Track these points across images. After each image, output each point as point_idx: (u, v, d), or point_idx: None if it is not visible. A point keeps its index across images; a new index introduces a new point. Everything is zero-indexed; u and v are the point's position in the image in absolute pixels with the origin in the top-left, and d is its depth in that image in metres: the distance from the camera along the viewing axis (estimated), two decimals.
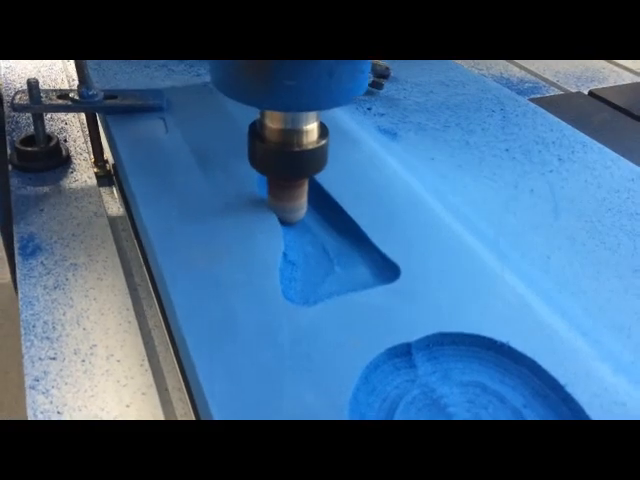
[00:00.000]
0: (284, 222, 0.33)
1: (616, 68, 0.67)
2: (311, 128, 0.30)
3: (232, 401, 0.23)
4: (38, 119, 0.42)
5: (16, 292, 0.32)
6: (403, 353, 0.25)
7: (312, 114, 0.30)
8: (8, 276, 0.32)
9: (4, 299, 0.33)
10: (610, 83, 0.63)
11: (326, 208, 0.36)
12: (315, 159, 0.31)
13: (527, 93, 0.59)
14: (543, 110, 0.51)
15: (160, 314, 0.33)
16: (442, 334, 0.26)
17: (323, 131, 0.31)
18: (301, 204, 0.33)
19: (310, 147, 0.30)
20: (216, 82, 0.29)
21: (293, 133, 0.30)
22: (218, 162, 0.38)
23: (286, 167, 0.31)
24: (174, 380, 0.30)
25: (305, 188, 0.33)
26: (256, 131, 0.31)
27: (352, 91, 0.28)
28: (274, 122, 0.30)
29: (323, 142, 0.31)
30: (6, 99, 0.52)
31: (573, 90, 0.61)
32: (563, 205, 0.40)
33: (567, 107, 0.55)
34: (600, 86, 0.61)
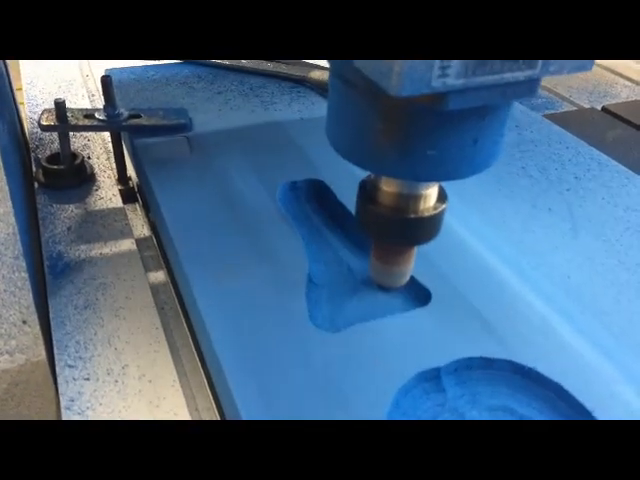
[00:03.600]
0: (384, 287, 0.31)
1: (628, 83, 0.67)
2: (430, 193, 0.27)
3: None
4: (64, 138, 0.42)
5: (51, 369, 0.31)
6: (432, 377, 0.26)
7: None
8: (43, 353, 0.31)
9: (37, 378, 0.31)
10: (623, 98, 0.63)
11: (349, 226, 0.37)
12: (431, 226, 0.27)
13: (540, 108, 0.60)
14: (558, 127, 0.52)
15: (188, 333, 0.34)
16: (470, 358, 0.27)
17: (441, 195, 0.27)
18: (406, 270, 0.30)
19: (426, 214, 0.27)
20: (338, 146, 0.25)
21: (410, 198, 0.26)
22: (243, 179, 0.39)
23: (398, 233, 0.28)
24: (205, 401, 0.30)
25: (413, 254, 0.30)
26: (367, 191, 0.28)
27: (492, 157, 0.25)
28: (390, 186, 0.27)
29: (441, 208, 0.27)
30: (29, 115, 0.53)
31: (586, 105, 0.61)
32: (581, 224, 0.40)
33: (581, 123, 0.56)
34: (613, 101, 0.62)
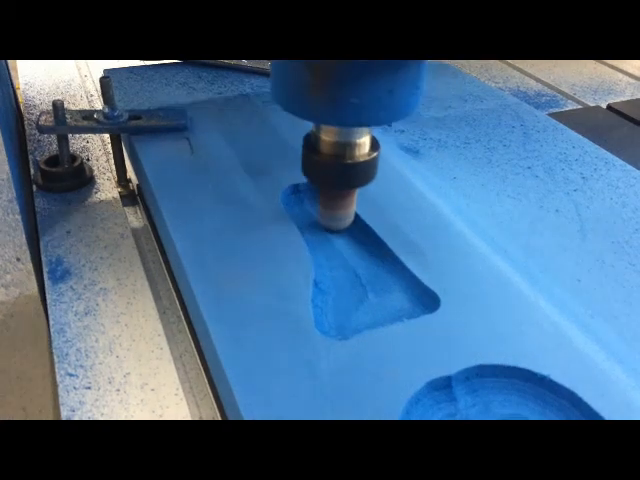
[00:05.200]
0: (331, 230, 0.35)
1: (632, 80, 0.67)
2: (363, 141, 0.31)
3: None
4: (63, 140, 0.42)
5: (43, 304, 0.34)
6: (443, 386, 0.25)
7: (365, 128, 0.31)
8: (35, 288, 0.34)
9: (30, 310, 0.35)
10: (627, 96, 0.63)
11: (355, 230, 0.36)
12: (366, 171, 0.32)
13: (545, 107, 0.59)
14: (563, 126, 0.51)
15: (191, 339, 0.33)
16: (482, 366, 0.26)
17: (374, 144, 0.32)
18: (349, 213, 0.35)
19: (361, 160, 0.32)
20: (278, 98, 0.30)
21: (346, 146, 0.31)
22: (244, 180, 0.38)
23: (337, 178, 0.32)
24: (208, 409, 0.30)
25: (354, 197, 0.34)
26: (310, 143, 0.32)
27: (409, 106, 0.29)
28: (328, 135, 0.31)
29: (374, 155, 0.32)
30: (27, 116, 0.52)
31: (591, 103, 0.60)
32: (589, 225, 0.39)
33: (586, 122, 0.55)
34: (617, 99, 0.61)
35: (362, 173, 0.32)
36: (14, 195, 0.34)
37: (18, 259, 0.34)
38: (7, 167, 0.33)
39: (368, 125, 0.30)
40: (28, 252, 0.35)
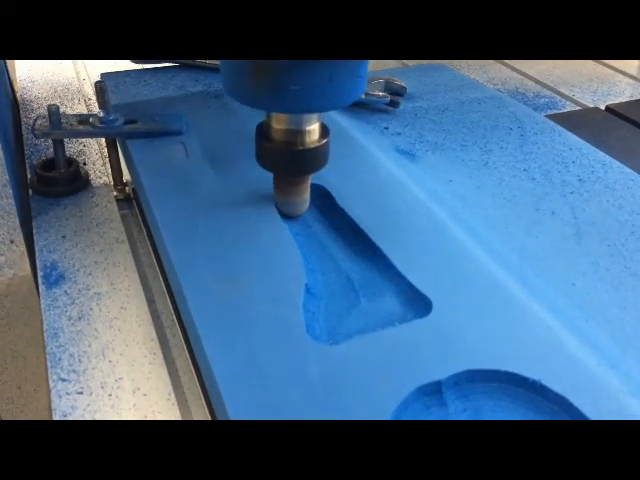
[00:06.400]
0: (288, 216, 0.36)
1: (632, 81, 0.66)
2: (313, 129, 0.32)
3: None
4: (58, 144, 0.42)
5: (36, 285, 0.35)
6: (433, 391, 0.25)
7: (314, 115, 0.32)
8: (28, 269, 0.36)
9: (23, 291, 0.36)
10: (626, 97, 0.62)
11: (348, 234, 0.36)
12: (317, 157, 0.33)
13: (543, 108, 0.59)
14: (561, 127, 0.51)
15: (184, 342, 0.33)
16: (472, 371, 0.26)
17: (324, 131, 0.33)
18: (304, 199, 0.36)
19: (312, 146, 0.33)
20: (227, 88, 0.31)
21: (297, 133, 0.32)
22: (238, 181, 0.38)
23: (290, 165, 0.33)
24: (201, 414, 0.30)
25: (308, 184, 0.36)
26: (262, 131, 0.33)
27: (350, 94, 0.31)
28: (279, 123, 0.32)
29: (324, 141, 0.33)
30: (24, 120, 0.52)
31: (590, 104, 0.60)
32: (585, 228, 0.39)
33: (584, 124, 0.55)
34: (617, 100, 0.61)
35: (314, 159, 0.33)
36: (7, 180, 0.35)
37: (12, 241, 0.36)
38: (0, 153, 0.34)
39: (309, 112, 0.31)
40: (22, 234, 0.36)
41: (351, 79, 0.30)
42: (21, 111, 0.54)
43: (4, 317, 0.37)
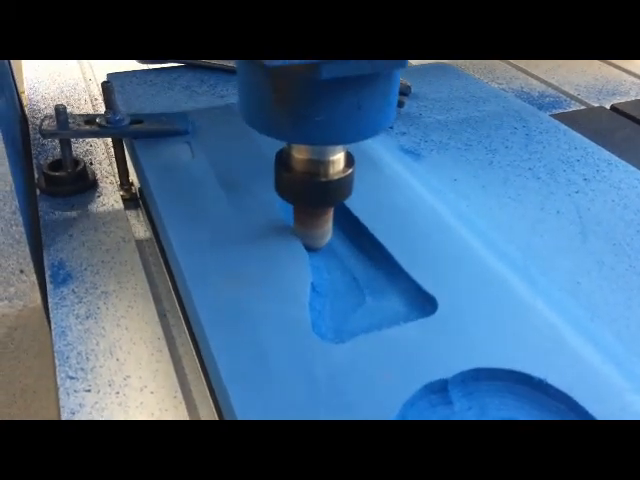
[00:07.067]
0: (309, 248, 0.33)
1: (637, 81, 0.66)
2: (337, 158, 0.30)
3: None
4: (65, 144, 0.42)
5: (46, 316, 0.33)
6: (439, 389, 0.25)
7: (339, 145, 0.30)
8: (38, 300, 0.33)
9: (34, 323, 0.35)
10: (632, 96, 0.62)
11: (353, 233, 0.36)
12: (341, 189, 0.31)
13: (548, 108, 0.59)
14: (566, 127, 0.51)
15: (190, 341, 0.34)
16: (477, 369, 0.26)
17: (349, 160, 0.31)
18: (326, 231, 0.34)
19: (336, 177, 0.30)
20: (246, 117, 0.29)
21: (319, 164, 0.30)
22: (244, 186, 0.38)
23: (312, 197, 0.31)
24: (207, 412, 0.30)
25: (330, 215, 0.33)
26: (282, 160, 0.31)
27: (382, 122, 0.28)
28: (300, 153, 0.30)
29: (349, 172, 0.31)
30: (31, 120, 0.52)
31: (595, 104, 0.60)
32: (590, 227, 0.39)
33: (589, 123, 0.55)
34: (622, 99, 0.61)
35: (337, 191, 0.31)
36: (17, 207, 0.34)
37: (22, 271, 0.34)
38: (10, 178, 0.33)
39: (335, 144, 0.29)
40: (32, 264, 0.34)
41: (381, 104, 0.27)
42: (29, 111, 0.54)
43: (13, 350, 0.36)
